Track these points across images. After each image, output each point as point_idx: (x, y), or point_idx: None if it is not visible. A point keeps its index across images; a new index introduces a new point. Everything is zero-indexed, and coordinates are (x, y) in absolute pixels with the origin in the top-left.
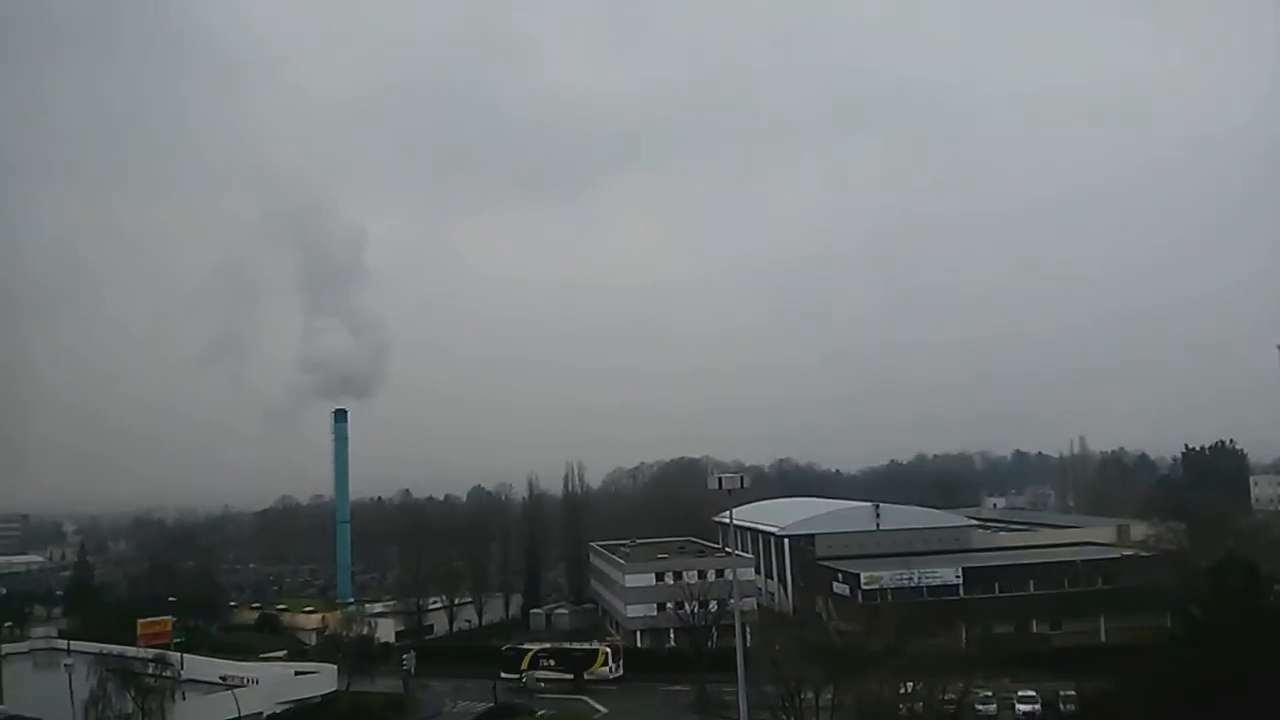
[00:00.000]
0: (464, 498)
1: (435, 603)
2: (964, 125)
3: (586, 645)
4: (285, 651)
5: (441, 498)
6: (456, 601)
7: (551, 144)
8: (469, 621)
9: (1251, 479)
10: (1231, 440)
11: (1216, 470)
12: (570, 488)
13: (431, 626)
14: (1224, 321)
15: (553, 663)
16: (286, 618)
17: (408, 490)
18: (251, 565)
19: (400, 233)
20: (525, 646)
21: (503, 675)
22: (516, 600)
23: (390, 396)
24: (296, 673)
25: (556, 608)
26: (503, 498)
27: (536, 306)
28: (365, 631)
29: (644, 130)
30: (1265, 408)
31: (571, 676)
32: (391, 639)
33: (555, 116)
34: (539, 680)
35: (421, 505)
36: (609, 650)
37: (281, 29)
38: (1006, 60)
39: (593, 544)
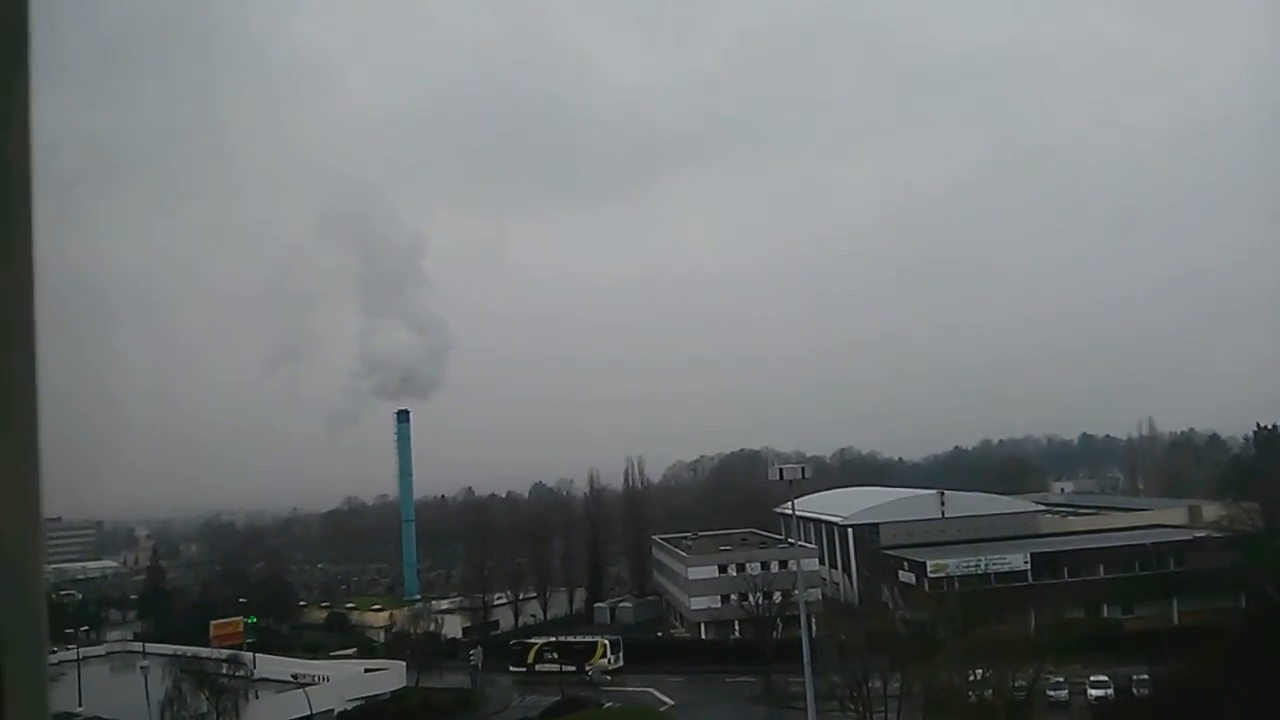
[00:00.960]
0: (526, 494)
1: (500, 598)
2: (1022, 102)
3: (587, 639)
4: (354, 649)
5: (504, 495)
6: (521, 597)
7: (604, 144)
8: (534, 616)
9: None
10: None
11: None
12: (630, 482)
13: (497, 622)
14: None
15: (556, 655)
16: (355, 616)
17: (470, 488)
18: (320, 565)
19: (459, 236)
20: (530, 641)
21: (511, 669)
22: (580, 594)
23: (452, 397)
24: (366, 670)
25: (620, 601)
26: (564, 493)
27: (593, 304)
28: (432, 628)
29: (695, 126)
30: None
31: (575, 668)
32: (459, 635)
33: (607, 116)
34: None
35: (485, 502)
36: (608, 643)
37: (333, 42)
38: (1063, 38)
39: (654, 537)
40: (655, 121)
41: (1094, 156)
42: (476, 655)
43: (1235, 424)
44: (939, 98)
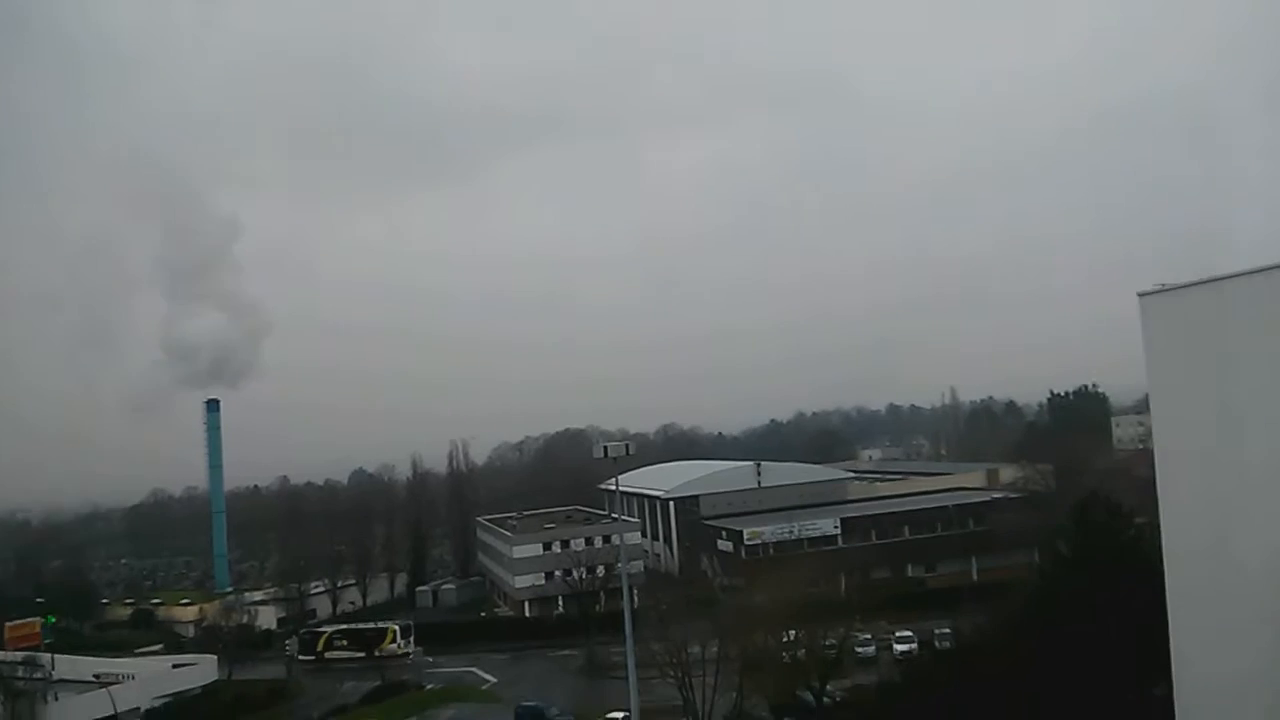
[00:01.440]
0: (345, 481)
1: (317, 587)
2: (848, 112)
3: (376, 625)
4: (161, 645)
5: (321, 483)
6: (339, 584)
7: (442, 124)
8: (353, 604)
9: (1113, 420)
10: (1094, 384)
11: (1080, 413)
12: (455, 465)
13: (314, 611)
14: (1084, 268)
15: (346, 643)
16: (162, 611)
17: (286, 478)
18: (124, 561)
19: (283, 216)
20: (320, 629)
21: (300, 657)
22: (402, 579)
23: (267, 382)
24: (174, 666)
25: (443, 583)
26: (385, 479)
27: (426, 286)
28: (245, 620)
29: (536, 112)
30: (1124, 352)
31: (364, 655)
32: (273, 626)
33: (447, 97)
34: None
35: (301, 491)
36: (398, 628)
37: (148, 18)
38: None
39: (479, 519)
40: (496, 105)
41: (911, 135)
42: (292, 645)
43: (1030, 392)
44: (768, 88)
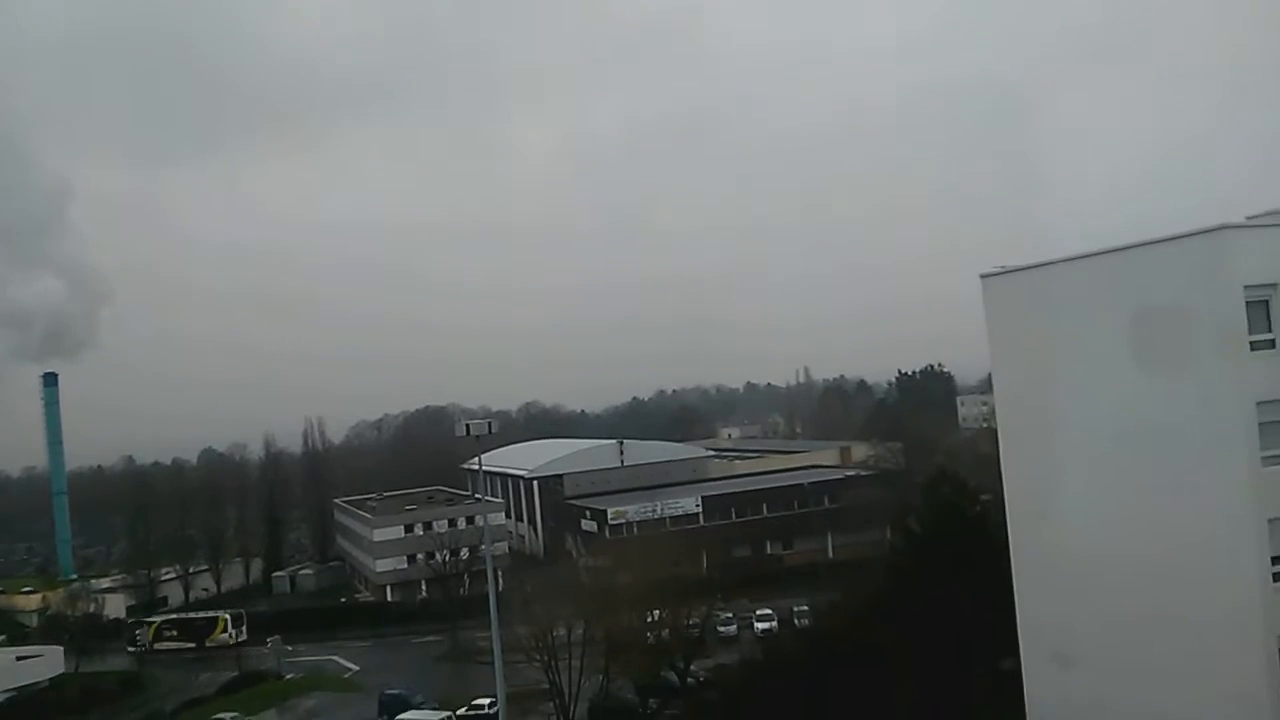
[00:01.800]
0: (194, 461)
1: (168, 573)
2: (701, 71)
3: (206, 615)
4: (3, 637)
5: (169, 462)
6: (191, 570)
7: (290, 87)
8: (206, 590)
9: (958, 399)
10: (940, 364)
11: (927, 393)
12: (310, 444)
13: (166, 599)
14: (935, 242)
15: (175, 633)
16: (2, 600)
17: (131, 457)
18: None
19: (123, 180)
20: (149, 619)
21: (129, 649)
22: (258, 565)
23: (108, 354)
24: (17, 658)
25: (301, 569)
26: (237, 458)
27: (273, 253)
28: (92, 609)
29: (387, 75)
30: (970, 332)
31: (194, 645)
32: (122, 614)
33: (295, 58)
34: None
35: (147, 471)
36: (228, 617)
37: None
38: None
39: (337, 500)
40: (346, 67)
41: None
42: (143, 635)
43: (880, 371)
44: (624, 61)
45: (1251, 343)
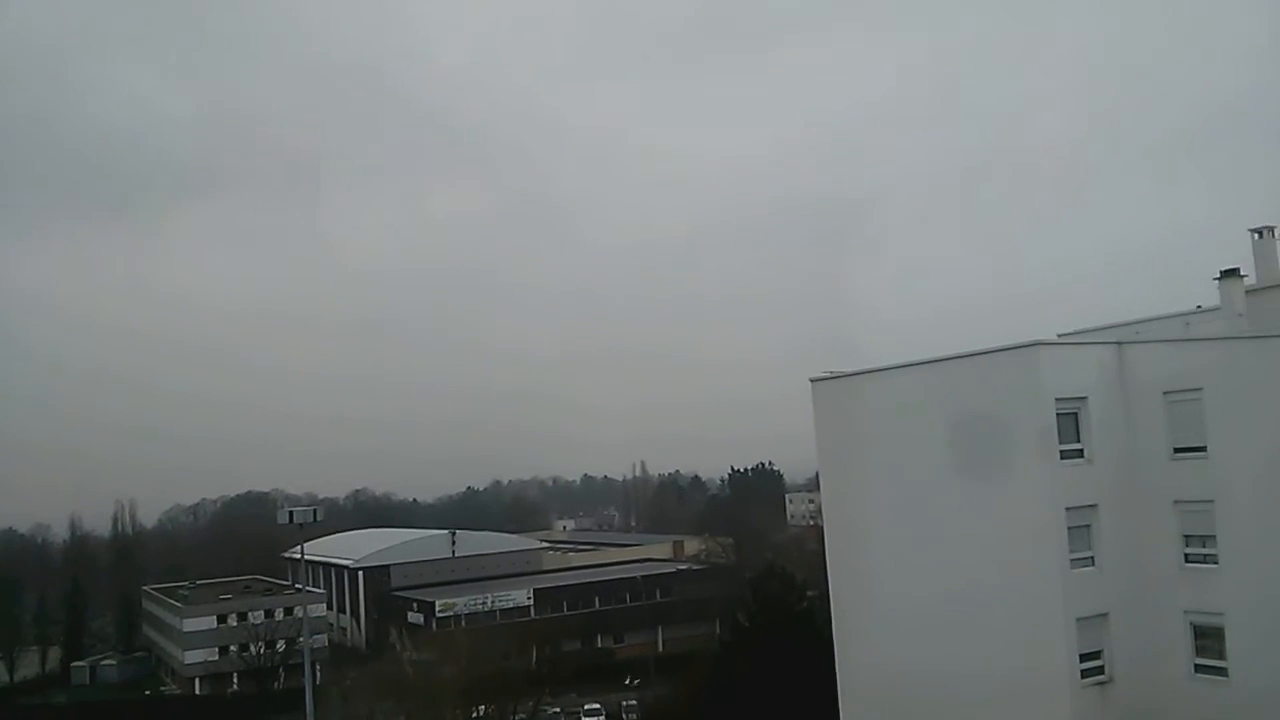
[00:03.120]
0: None
1: None
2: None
3: None
4: None
5: None
6: None
7: (111, 160)
8: None
9: (787, 496)
10: (770, 462)
11: (758, 489)
12: (120, 527)
13: None
14: (759, 350)
15: None
16: None
17: None
18: None
19: None
20: None
21: None
22: (56, 653)
23: None
24: None
25: (103, 659)
26: (39, 540)
27: (88, 332)
28: None
29: (211, 157)
30: (798, 432)
31: None
32: None
33: (117, 132)
34: None
35: None
36: None
37: None
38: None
39: (146, 588)
40: (170, 147)
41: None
42: None
43: (714, 467)
44: (458, 147)
45: (1061, 451)
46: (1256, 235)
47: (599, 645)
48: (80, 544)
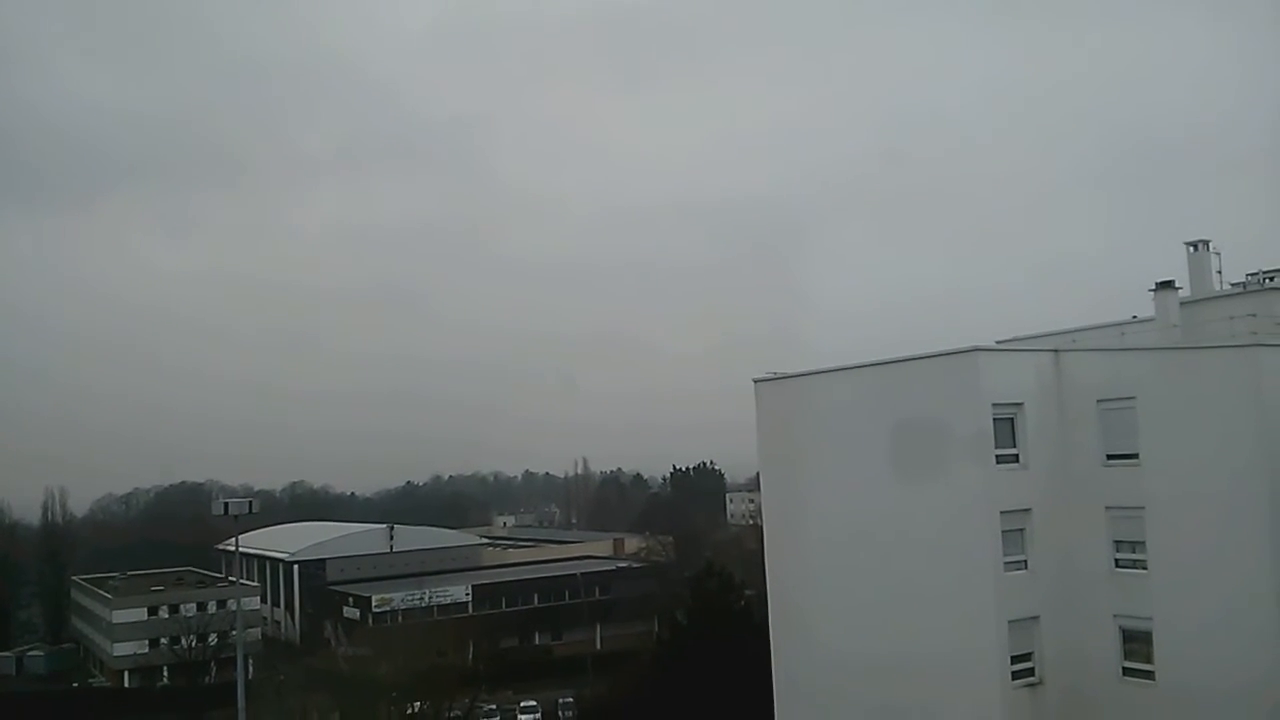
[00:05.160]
0: None
1: None
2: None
3: None
4: None
5: None
6: None
7: (51, 150)
8: None
9: (727, 496)
10: (712, 461)
11: (699, 489)
12: (50, 516)
13: None
14: (701, 351)
15: None
16: None
17: None
18: None
19: None
20: None
21: None
22: None
23: None
24: None
25: (30, 650)
26: None
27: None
28: None
29: (156, 148)
30: (740, 433)
31: None
32: None
33: (57, 122)
34: None
35: None
36: None
37: None
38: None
39: (75, 578)
40: (112, 136)
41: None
42: None
43: (656, 465)
44: (404, 149)
45: (997, 456)
46: (1191, 248)
47: (537, 642)
48: (8, 532)
